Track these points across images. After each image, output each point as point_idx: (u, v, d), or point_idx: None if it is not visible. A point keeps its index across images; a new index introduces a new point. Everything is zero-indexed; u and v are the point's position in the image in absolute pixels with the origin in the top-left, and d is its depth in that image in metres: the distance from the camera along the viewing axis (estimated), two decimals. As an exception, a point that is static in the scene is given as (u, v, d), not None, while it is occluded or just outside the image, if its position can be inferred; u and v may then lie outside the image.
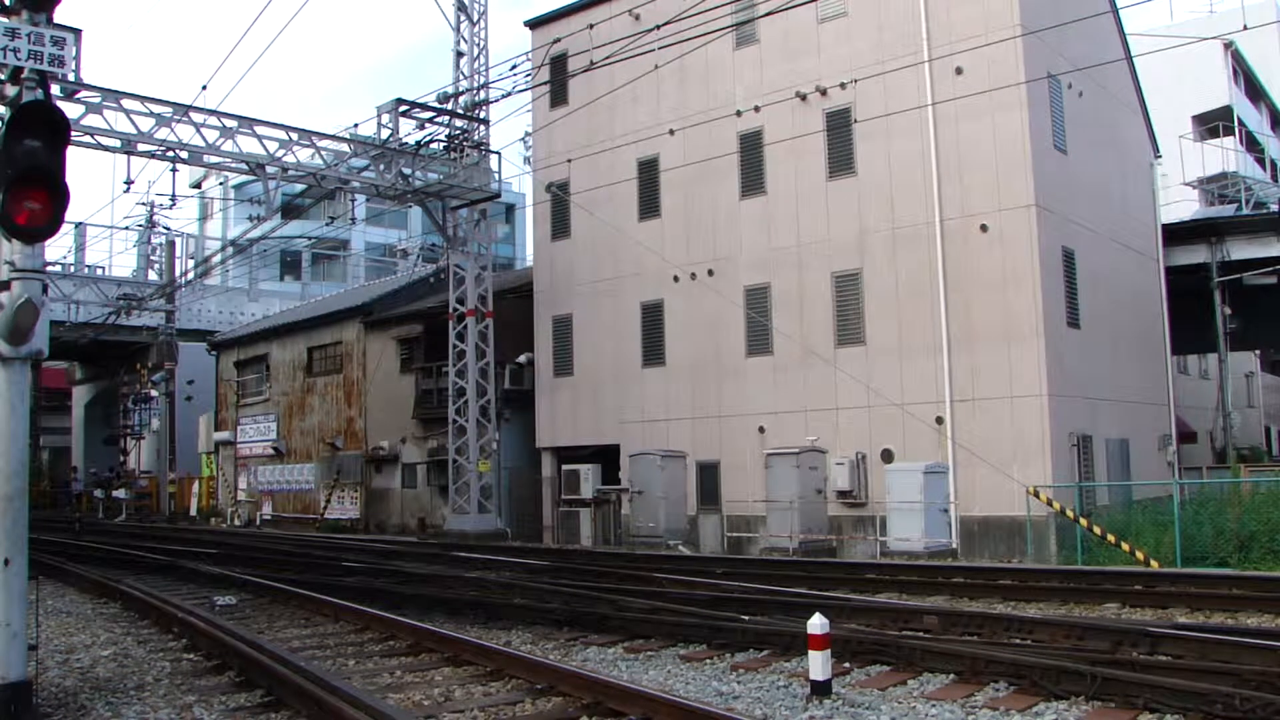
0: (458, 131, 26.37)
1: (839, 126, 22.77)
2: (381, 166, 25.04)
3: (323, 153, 24.26)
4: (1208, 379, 35.75)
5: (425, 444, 31.51)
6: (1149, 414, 25.65)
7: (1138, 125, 27.56)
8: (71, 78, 17.15)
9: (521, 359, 29.11)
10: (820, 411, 22.62)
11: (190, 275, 42.54)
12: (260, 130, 23.00)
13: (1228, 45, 41.58)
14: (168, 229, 43.53)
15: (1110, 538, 17.50)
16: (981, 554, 19.91)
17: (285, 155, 23.52)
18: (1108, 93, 25.08)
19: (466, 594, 13.88)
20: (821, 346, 22.61)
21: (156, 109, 21.51)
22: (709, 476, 24.39)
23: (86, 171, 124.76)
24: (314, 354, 37.44)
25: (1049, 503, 18.77)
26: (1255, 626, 10.67)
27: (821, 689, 7.87)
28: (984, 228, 20.72)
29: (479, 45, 27.84)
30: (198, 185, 58.32)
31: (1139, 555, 16.70)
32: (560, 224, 28.10)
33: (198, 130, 22.07)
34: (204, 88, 43.55)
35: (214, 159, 23.02)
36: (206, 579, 16.79)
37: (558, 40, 26.07)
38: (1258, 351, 41.57)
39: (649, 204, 26.12)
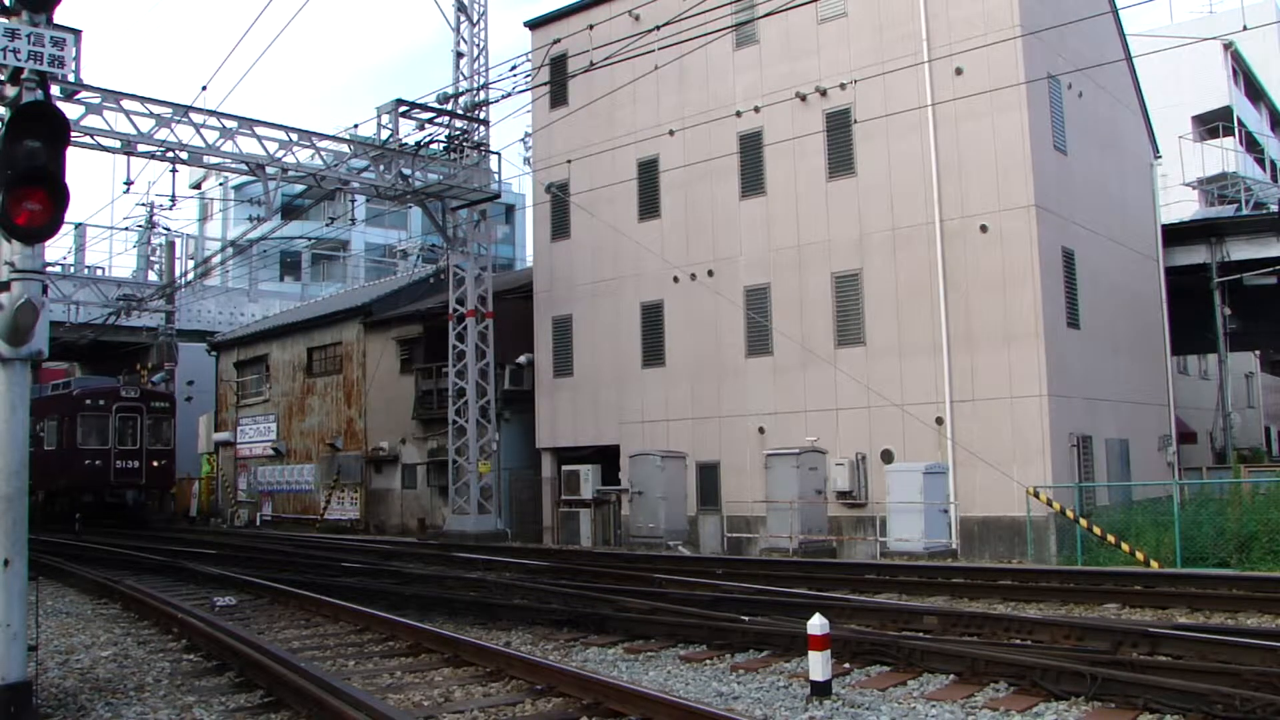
0: (458, 132, 26.38)
1: (839, 127, 22.77)
2: (381, 167, 25.04)
3: (322, 153, 24.27)
4: (1208, 379, 35.76)
5: (425, 445, 31.51)
6: (1149, 414, 25.65)
7: (1137, 125, 27.57)
8: (71, 78, 17.15)
9: (521, 359, 29.10)
10: (820, 412, 22.62)
11: (190, 276, 42.51)
12: (260, 131, 23.01)
13: (1227, 46, 41.60)
14: (167, 229, 43.51)
15: (1110, 538, 17.51)
16: (981, 554, 19.91)
17: (285, 156, 23.53)
18: (1108, 93, 25.09)
19: (466, 595, 13.89)
20: (821, 347, 22.61)
21: (156, 110, 21.53)
22: (709, 477, 24.38)
23: (86, 172, 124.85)
24: (314, 354, 37.42)
25: (1049, 503, 18.77)
26: (1255, 626, 10.68)
27: (821, 689, 7.87)
28: (984, 228, 20.73)
29: (479, 46, 27.86)
30: (197, 186, 58.31)
31: (1139, 555, 16.71)
32: (560, 224, 28.10)
33: (197, 131, 22.08)
34: (204, 88, 43.61)
35: (214, 160, 23.03)
36: (206, 579, 16.78)
37: (558, 41, 26.07)
38: (1258, 352, 41.61)
39: (649, 204, 26.12)
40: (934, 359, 21.07)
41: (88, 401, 34.75)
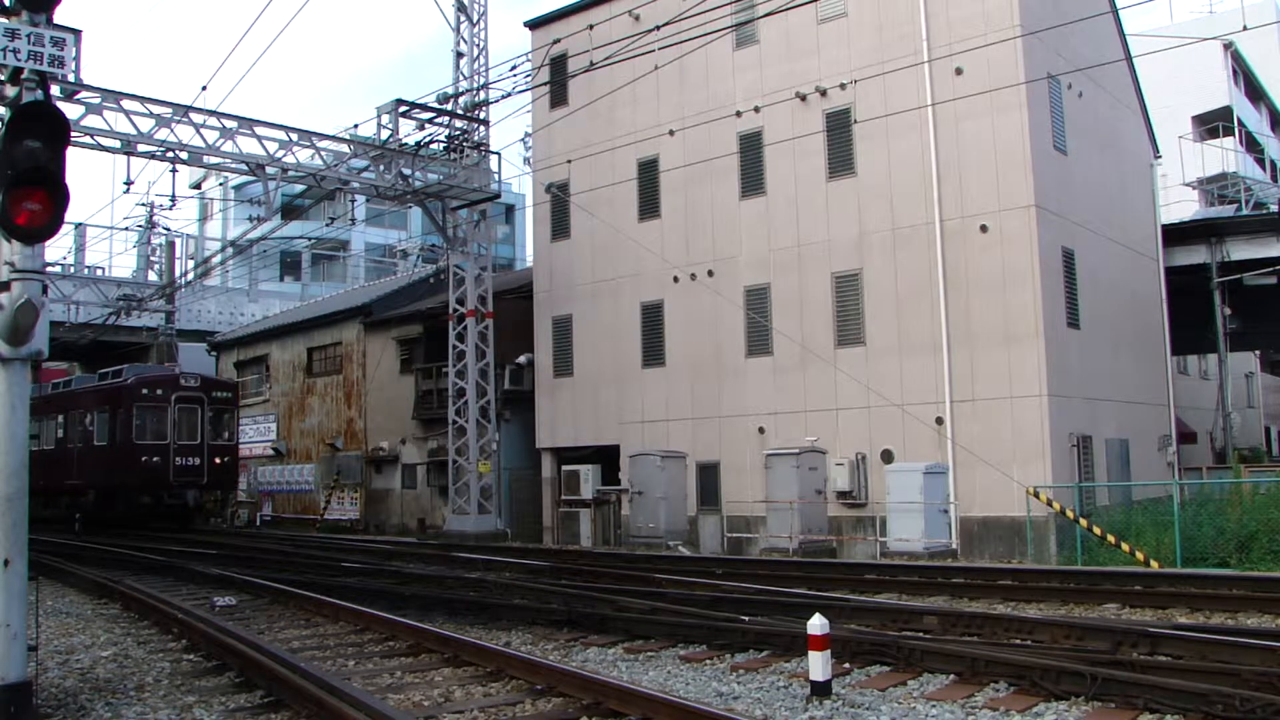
0: (458, 132, 26.38)
1: (839, 127, 22.78)
2: (381, 167, 25.04)
3: (322, 153, 24.27)
4: (1208, 379, 35.77)
5: (425, 445, 31.51)
6: (1149, 414, 25.66)
7: (1138, 125, 27.57)
8: (71, 78, 17.17)
9: (521, 359, 29.11)
10: (820, 412, 22.62)
11: (190, 276, 42.51)
12: (260, 131, 23.01)
13: (1228, 46, 41.61)
14: (167, 229, 43.46)
15: (1110, 538, 17.50)
16: (981, 554, 19.91)
17: (285, 156, 23.53)
18: (1107, 93, 25.09)
19: (466, 595, 13.88)
20: (821, 347, 22.61)
21: (156, 110, 21.53)
22: (709, 477, 24.38)
23: (86, 172, 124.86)
24: (314, 354, 37.42)
25: (1049, 503, 18.77)
26: (1255, 626, 10.68)
27: (821, 689, 7.87)
28: (984, 228, 20.73)
29: (479, 46, 27.85)
30: (197, 186, 58.29)
31: (1139, 555, 16.70)
32: (560, 224, 28.10)
33: (197, 131, 22.08)
34: (204, 88, 43.61)
35: (214, 160, 23.03)
36: (206, 579, 16.77)
37: (558, 41, 26.07)
38: (1258, 352, 41.60)
39: (649, 204, 26.12)
40: (934, 359, 21.07)
41: (144, 391, 30.60)
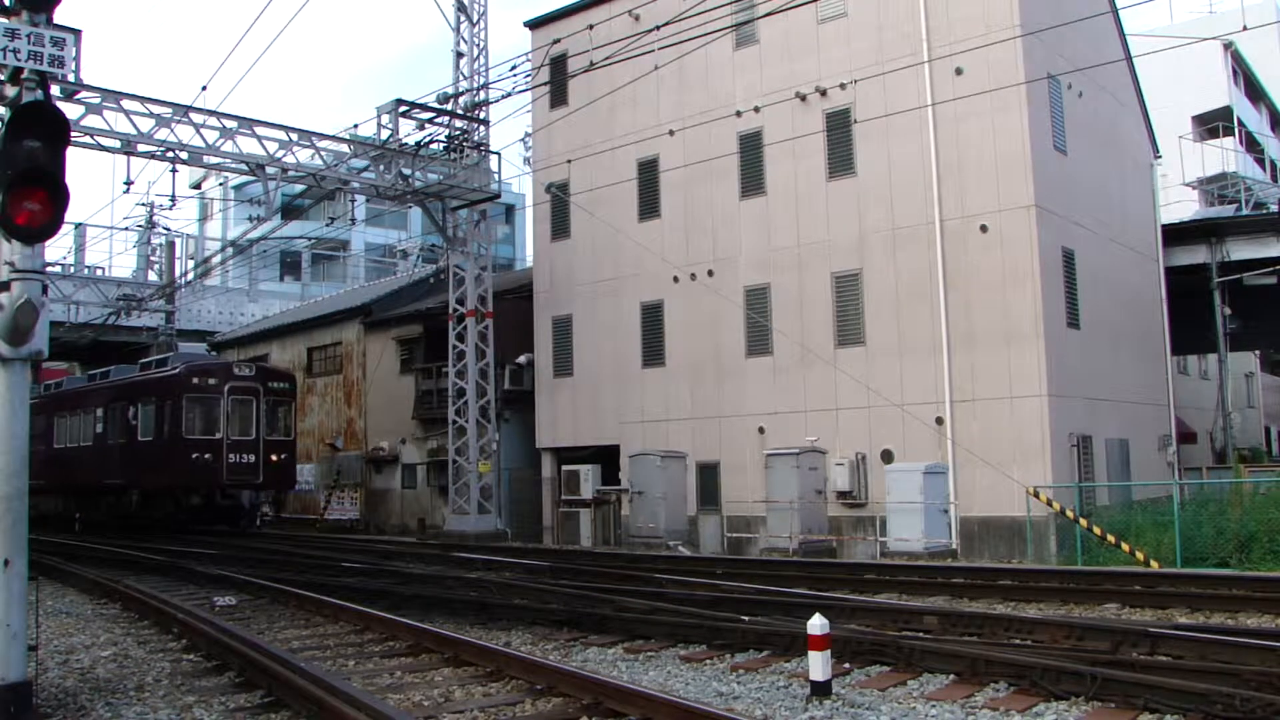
0: (457, 132, 26.38)
1: (839, 127, 22.77)
2: (381, 167, 25.05)
3: (322, 153, 24.27)
4: (1208, 379, 35.74)
5: (425, 444, 31.51)
6: (1149, 414, 25.65)
7: (1137, 125, 27.57)
8: (71, 78, 17.12)
9: (521, 359, 29.11)
10: (820, 412, 22.62)
11: (190, 276, 42.49)
12: (260, 131, 23.01)
13: (1227, 46, 41.60)
14: (167, 229, 43.42)
15: (1110, 538, 17.51)
16: (981, 554, 19.91)
17: (285, 156, 23.54)
18: (1107, 93, 25.09)
19: (466, 595, 13.88)
20: (821, 347, 22.61)
21: (156, 110, 21.54)
22: (709, 477, 24.38)
23: (86, 172, 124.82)
24: (314, 354, 37.42)
25: (1049, 503, 18.77)
26: (1255, 626, 10.68)
27: (821, 689, 7.87)
28: (984, 228, 20.73)
29: (479, 46, 27.85)
30: (197, 186, 58.27)
31: (1139, 555, 16.71)
32: (560, 224, 28.10)
33: (197, 131, 22.09)
34: (204, 88, 43.76)
35: (214, 160, 23.04)
36: (206, 579, 16.78)
37: (558, 41, 26.07)
38: (1258, 351, 41.58)
39: (649, 204, 26.12)
40: (934, 359, 21.07)
41: (194, 381, 27.87)
